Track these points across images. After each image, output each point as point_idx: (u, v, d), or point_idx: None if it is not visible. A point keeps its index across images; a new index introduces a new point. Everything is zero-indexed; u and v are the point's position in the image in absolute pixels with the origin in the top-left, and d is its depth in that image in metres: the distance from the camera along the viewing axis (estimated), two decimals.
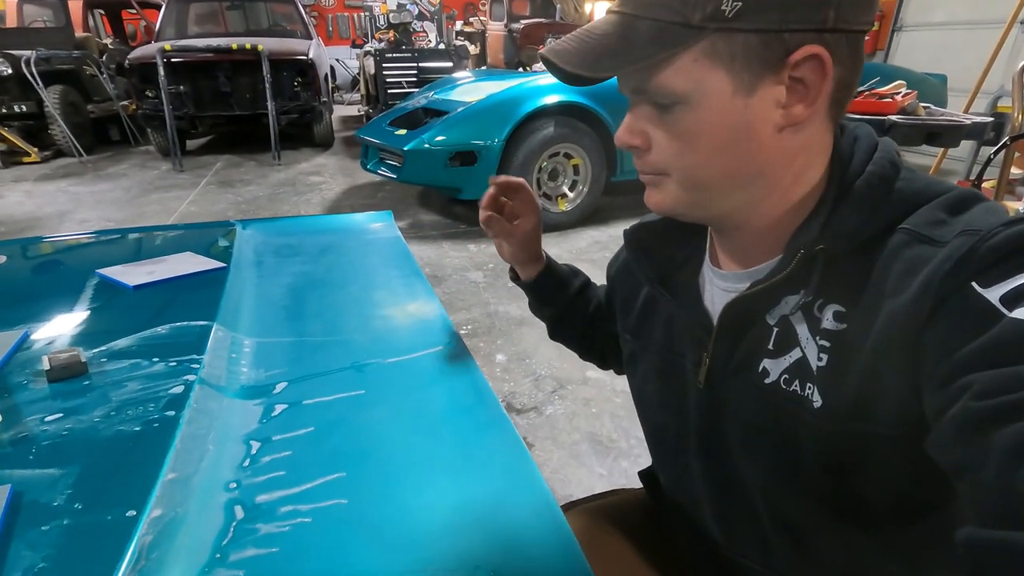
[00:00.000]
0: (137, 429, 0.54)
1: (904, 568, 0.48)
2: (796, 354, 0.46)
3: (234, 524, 0.47)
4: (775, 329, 0.48)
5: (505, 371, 2.07)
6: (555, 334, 0.82)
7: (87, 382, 0.62)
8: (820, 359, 0.44)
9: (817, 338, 0.45)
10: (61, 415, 0.57)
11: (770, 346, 0.48)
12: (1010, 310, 0.34)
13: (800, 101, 0.43)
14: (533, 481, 0.52)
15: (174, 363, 0.66)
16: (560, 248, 3.23)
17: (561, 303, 0.78)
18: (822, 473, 0.46)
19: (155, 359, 0.67)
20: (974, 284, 0.36)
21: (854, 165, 0.46)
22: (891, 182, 0.44)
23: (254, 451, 0.55)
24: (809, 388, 0.45)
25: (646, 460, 0.70)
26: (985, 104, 3.62)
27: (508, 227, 0.71)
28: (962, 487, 0.34)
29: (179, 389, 0.61)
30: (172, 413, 0.57)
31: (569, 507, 0.77)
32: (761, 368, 0.48)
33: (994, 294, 0.35)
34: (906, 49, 5.77)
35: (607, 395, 1.90)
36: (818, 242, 0.44)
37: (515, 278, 0.79)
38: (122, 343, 0.70)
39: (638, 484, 0.76)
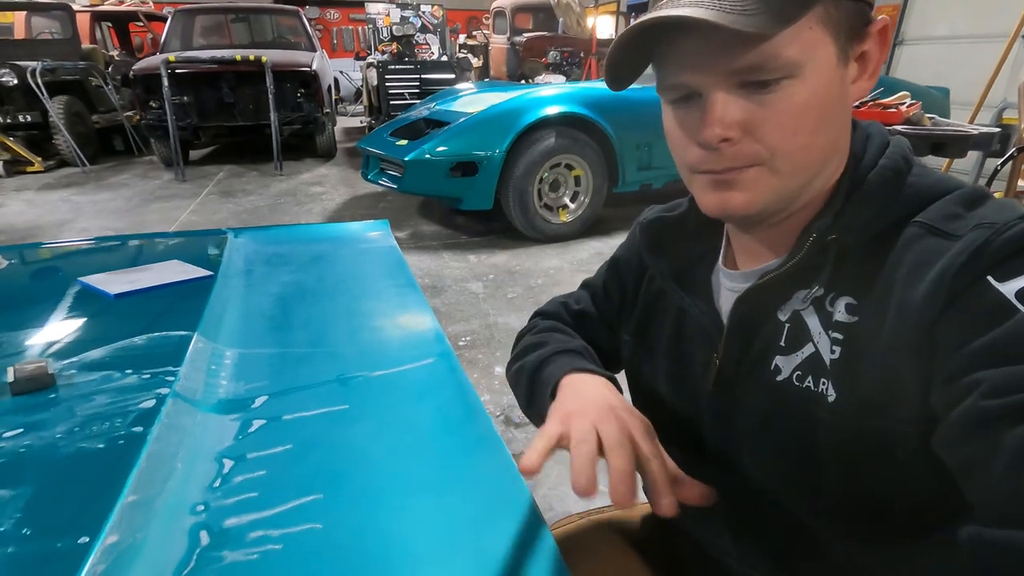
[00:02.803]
0: (101, 446, 0.51)
1: None
2: (809, 349, 0.45)
3: (198, 551, 0.43)
4: (787, 325, 0.46)
5: (504, 383, 2.03)
6: None
7: (53, 395, 0.59)
8: (833, 352, 0.43)
9: (829, 331, 0.43)
10: (21, 431, 0.53)
11: (782, 343, 0.46)
12: None
13: (861, 76, 0.44)
14: (523, 505, 0.49)
15: (148, 375, 0.62)
16: (561, 259, 3.20)
17: None
18: (839, 475, 0.43)
19: (128, 371, 0.63)
20: (990, 278, 0.35)
21: (867, 159, 0.45)
22: (904, 176, 0.43)
23: (226, 470, 0.52)
24: (823, 383, 0.43)
25: None
26: (989, 117, 3.62)
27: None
28: (968, 486, 0.33)
29: (151, 403, 0.57)
30: (140, 429, 0.53)
31: (573, 518, 0.75)
32: (774, 366, 0.47)
33: (1009, 288, 0.34)
34: (908, 63, 5.77)
35: None
36: (831, 232, 0.43)
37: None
38: (95, 354, 0.67)
39: (642, 497, 0.73)
